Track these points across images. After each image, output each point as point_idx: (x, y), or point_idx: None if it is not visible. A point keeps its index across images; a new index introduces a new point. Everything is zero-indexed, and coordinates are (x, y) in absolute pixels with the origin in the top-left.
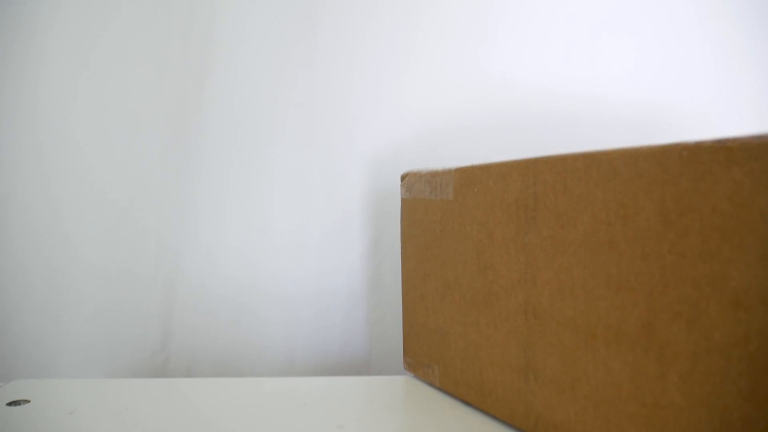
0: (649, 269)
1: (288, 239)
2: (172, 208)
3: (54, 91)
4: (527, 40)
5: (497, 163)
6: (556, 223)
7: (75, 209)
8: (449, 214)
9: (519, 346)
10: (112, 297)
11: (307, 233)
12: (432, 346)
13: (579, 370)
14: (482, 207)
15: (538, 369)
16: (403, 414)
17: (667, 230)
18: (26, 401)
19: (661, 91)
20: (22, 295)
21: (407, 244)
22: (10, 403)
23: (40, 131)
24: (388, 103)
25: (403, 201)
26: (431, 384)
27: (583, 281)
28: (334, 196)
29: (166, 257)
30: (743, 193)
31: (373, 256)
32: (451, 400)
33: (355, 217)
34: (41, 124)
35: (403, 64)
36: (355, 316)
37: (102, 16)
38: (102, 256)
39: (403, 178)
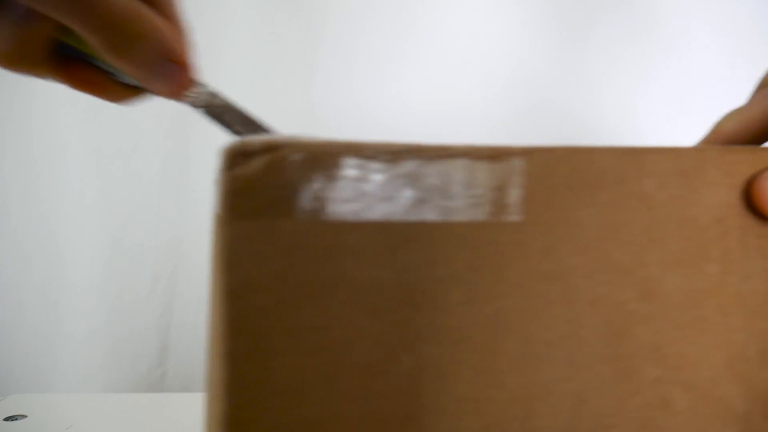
0: None
1: None
2: (170, 225)
3: (49, 106)
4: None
5: None
6: None
7: (72, 225)
8: None
9: None
10: (109, 312)
11: None
12: None
13: None
14: None
15: None
16: None
17: None
18: (23, 416)
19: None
20: (19, 310)
21: None
22: (7, 418)
23: (35, 148)
24: (380, 124)
25: None
26: None
27: None
28: None
29: (164, 273)
30: None
31: None
32: None
33: None
34: (35, 141)
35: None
36: None
37: None
38: (99, 272)
39: None
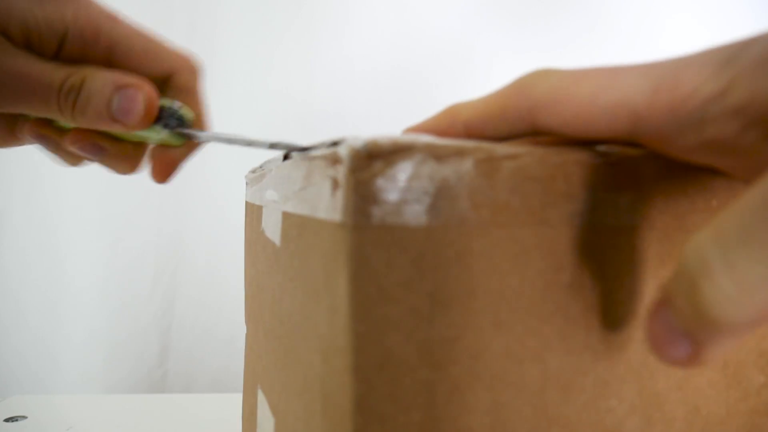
0: None
1: None
2: (170, 226)
3: None
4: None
5: None
6: None
7: (72, 227)
8: None
9: None
10: (110, 313)
11: None
12: None
13: None
14: None
15: None
16: None
17: None
18: (24, 417)
19: None
20: (20, 311)
21: None
22: (7, 419)
23: (36, 150)
24: None
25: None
26: None
27: None
28: None
29: (164, 274)
30: None
31: None
32: None
33: None
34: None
35: None
36: None
37: None
38: (100, 273)
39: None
